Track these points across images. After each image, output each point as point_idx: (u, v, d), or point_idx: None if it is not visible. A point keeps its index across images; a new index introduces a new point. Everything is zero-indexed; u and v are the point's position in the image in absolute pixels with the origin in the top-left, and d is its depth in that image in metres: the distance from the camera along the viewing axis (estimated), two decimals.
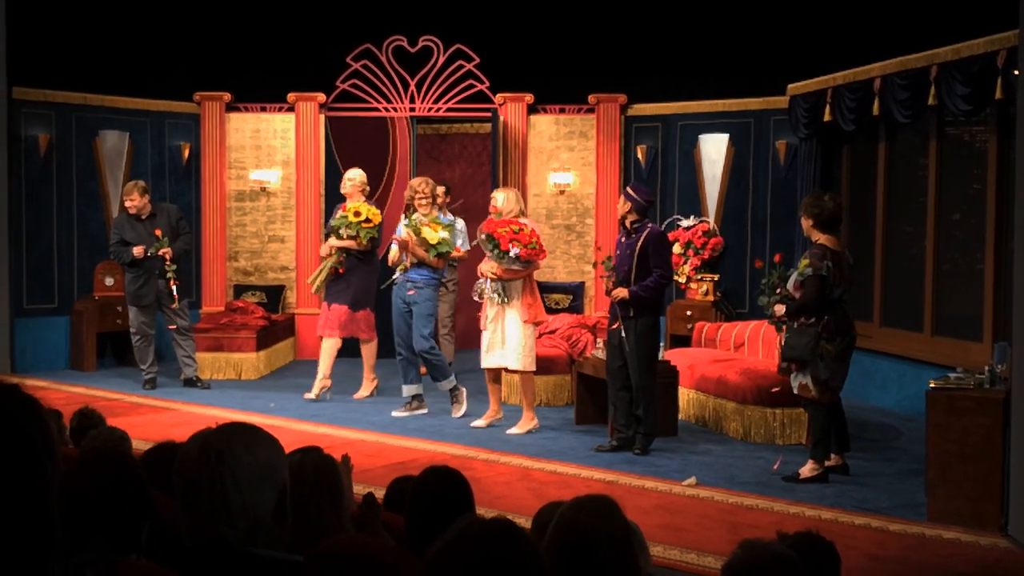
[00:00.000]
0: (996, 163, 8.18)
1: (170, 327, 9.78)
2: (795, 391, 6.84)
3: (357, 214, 9.20)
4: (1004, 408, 5.80)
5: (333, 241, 9.29)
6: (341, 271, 9.30)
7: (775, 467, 7.03)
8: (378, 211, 9.40)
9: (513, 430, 8.04)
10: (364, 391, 9.49)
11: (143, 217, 9.58)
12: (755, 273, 10.10)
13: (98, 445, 4.05)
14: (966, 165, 8.71)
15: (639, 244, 7.44)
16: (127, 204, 9.61)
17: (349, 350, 9.65)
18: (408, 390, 8.79)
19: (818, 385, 6.66)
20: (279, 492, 2.12)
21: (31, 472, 1.43)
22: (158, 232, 9.53)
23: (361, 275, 9.37)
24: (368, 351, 9.55)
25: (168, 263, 9.50)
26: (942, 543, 5.62)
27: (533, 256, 7.89)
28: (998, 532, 5.72)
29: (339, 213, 9.37)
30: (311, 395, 9.26)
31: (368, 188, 9.64)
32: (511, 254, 7.75)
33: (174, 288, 9.54)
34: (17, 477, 1.41)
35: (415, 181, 8.79)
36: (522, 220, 8.03)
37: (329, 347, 9.36)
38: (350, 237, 9.20)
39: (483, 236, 7.90)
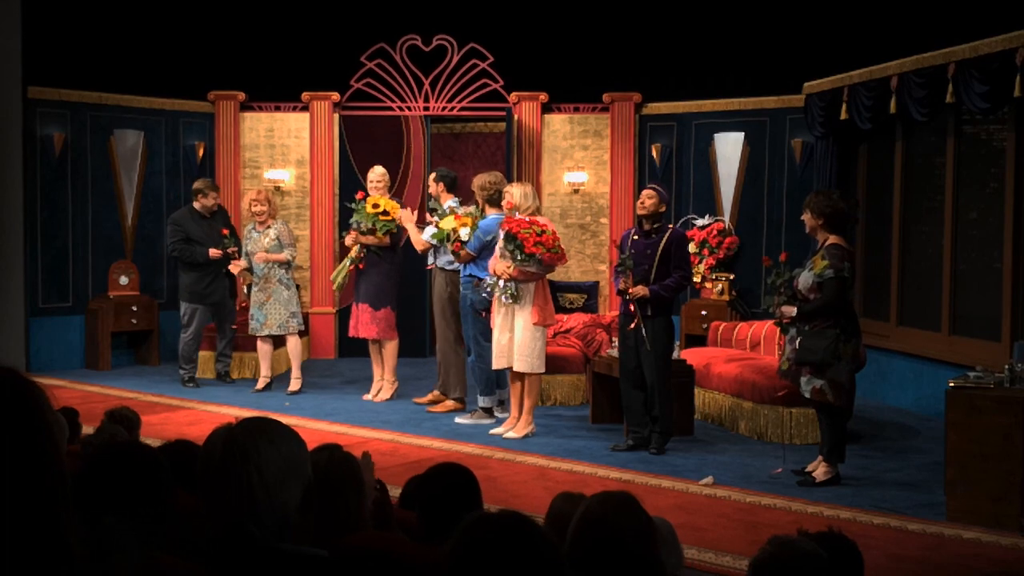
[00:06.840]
0: (1014, 161, 8.11)
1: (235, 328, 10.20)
2: (807, 396, 6.57)
3: (375, 206, 8.95)
4: None
5: (356, 237, 9.07)
6: (361, 267, 9.10)
7: (778, 471, 6.89)
8: (397, 204, 9.04)
9: (510, 433, 7.84)
10: (384, 393, 9.24)
11: (207, 216, 9.82)
12: (768, 271, 10.06)
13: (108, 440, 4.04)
14: (984, 163, 8.65)
15: (661, 245, 7.40)
16: (202, 202, 9.83)
17: (362, 350, 9.51)
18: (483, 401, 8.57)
19: (835, 389, 6.48)
20: (303, 486, 2.11)
21: (39, 437, 1.41)
22: (225, 231, 9.78)
23: (380, 273, 9.09)
24: (388, 352, 9.28)
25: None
26: (962, 543, 5.58)
27: (555, 260, 7.71)
28: (1018, 532, 5.68)
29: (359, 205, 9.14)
30: (369, 396, 9.24)
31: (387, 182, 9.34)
32: (536, 258, 7.56)
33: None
34: (26, 443, 1.40)
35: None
36: (540, 219, 7.78)
37: (372, 349, 9.28)
38: (368, 231, 8.97)
39: (504, 235, 7.69)
